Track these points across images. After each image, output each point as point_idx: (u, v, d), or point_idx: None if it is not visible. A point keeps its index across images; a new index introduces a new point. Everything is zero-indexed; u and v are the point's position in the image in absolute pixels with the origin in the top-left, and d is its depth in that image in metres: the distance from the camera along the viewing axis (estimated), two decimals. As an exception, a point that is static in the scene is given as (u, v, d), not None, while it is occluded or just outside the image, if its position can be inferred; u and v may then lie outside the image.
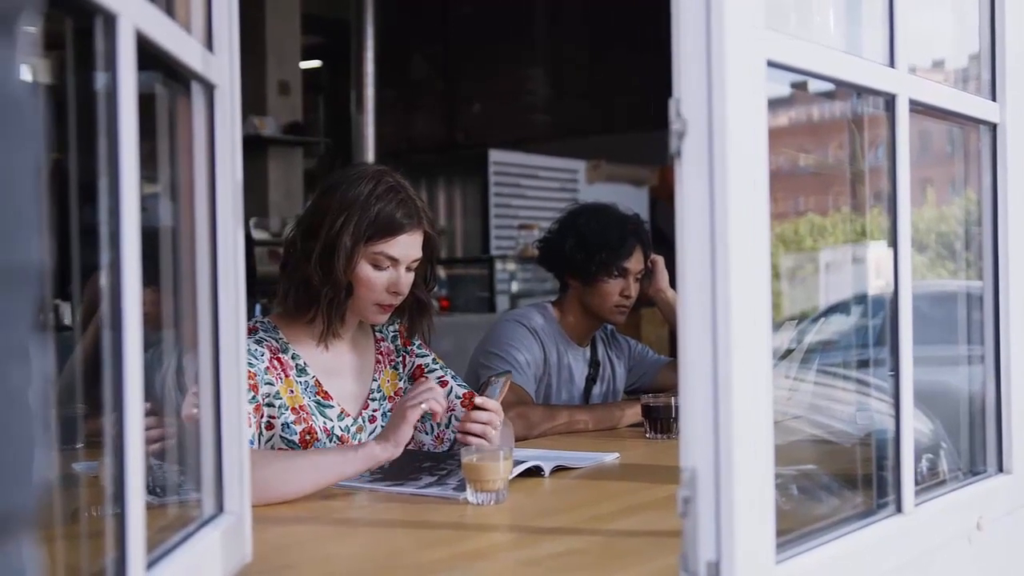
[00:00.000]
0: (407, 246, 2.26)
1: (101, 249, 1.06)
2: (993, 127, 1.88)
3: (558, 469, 2.26)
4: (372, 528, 1.82)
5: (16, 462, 0.58)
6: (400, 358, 2.47)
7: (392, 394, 2.42)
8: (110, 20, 1.02)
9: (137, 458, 1.06)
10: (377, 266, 2.25)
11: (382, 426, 2.35)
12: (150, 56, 1.15)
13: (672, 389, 3.01)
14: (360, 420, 2.35)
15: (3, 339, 0.58)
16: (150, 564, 1.12)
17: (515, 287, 7.70)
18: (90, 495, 1.53)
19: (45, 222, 0.62)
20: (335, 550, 1.73)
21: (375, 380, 2.41)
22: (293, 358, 2.28)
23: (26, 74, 0.61)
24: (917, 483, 1.61)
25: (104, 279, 1.05)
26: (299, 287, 2.26)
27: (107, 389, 1.05)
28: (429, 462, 2.21)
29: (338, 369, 2.35)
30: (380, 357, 2.44)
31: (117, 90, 1.04)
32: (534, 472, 2.18)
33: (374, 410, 2.38)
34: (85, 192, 1.07)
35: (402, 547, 1.70)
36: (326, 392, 2.30)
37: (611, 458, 2.43)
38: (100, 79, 1.05)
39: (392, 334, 2.48)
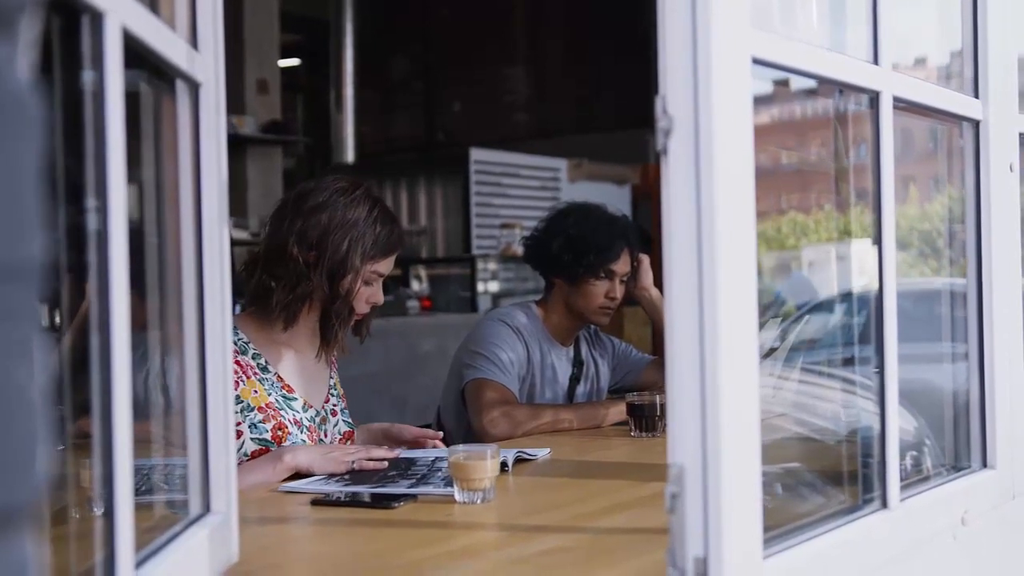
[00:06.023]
0: (392, 263, 2.45)
1: (85, 249, 1.05)
2: (976, 124, 1.89)
3: (519, 460, 2.31)
4: (359, 527, 1.82)
5: (20, 457, 0.58)
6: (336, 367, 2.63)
7: (341, 394, 2.57)
8: (97, 18, 1.02)
9: (125, 459, 1.05)
10: (367, 282, 2.39)
11: (343, 420, 2.52)
12: (134, 54, 1.14)
13: (656, 387, 3.01)
14: (323, 412, 2.46)
15: (8, 335, 0.58)
16: (138, 564, 1.12)
17: (497, 286, 7.69)
18: (73, 496, 1.52)
19: (46, 220, 0.62)
20: (322, 549, 1.73)
21: (332, 378, 2.54)
22: (254, 358, 2.37)
23: (27, 71, 0.61)
24: (902, 479, 1.62)
25: (91, 280, 1.04)
26: (300, 300, 2.34)
27: (95, 390, 1.04)
28: (394, 471, 2.19)
29: (299, 367, 2.45)
30: (332, 359, 2.56)
31: (104, 88, 1.03)
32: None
33: (334, 404, 2.52)
34: (69, 192, 1.06)
35: (389, 546, 1.70)
36: (289, 386, 2.39)
37: (543, 453, 2.45)
38: (86, 77, 1.04)
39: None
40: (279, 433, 2.30)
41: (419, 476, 2.12)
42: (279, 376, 2.38)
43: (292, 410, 2.36)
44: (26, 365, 0.59)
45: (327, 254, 2.32)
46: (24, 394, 0.58)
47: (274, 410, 2.32)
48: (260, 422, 2.29)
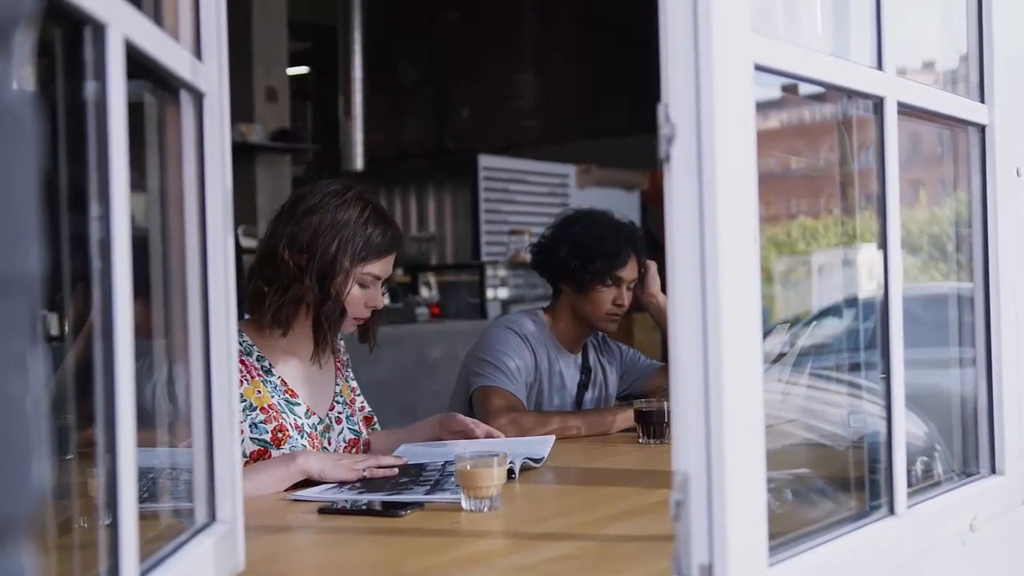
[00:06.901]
0: (390, 265, 2.43)
1: (91, 258, 1.05)
2: (982, 128, 1.89)
3: (526, 469, 2.31)
4: (366, 536, 1.82)
5: (15, 469, 0.59)
6: (348, 372, 2.61)
7: (348, 401, 2.55)
8: (99, 30, 1.02)
9: (129, 468, 1.05)
10: (362, 285, 2.39)
11: (348, 428, 2.50)
12: (138, 65, 1.14)
13: (664, 394, 3.01)
14: (327, 420, 2.46)
15: (3, 347, 0.58)
16: (143, 573, 1.12)
17: (506, 293, 7.68)
18: (80, 505, 1.52)
19: (42, 231, 0.63)
20: (328, 558, 1.73)
21: (337, 385, 2.53)
22: (258, 360, 2.37)
23: (23, 84, 0.61)
24: (911, 485, 1.61)
25: (95, 289, 1.04)
26: (292, 304, 2.34)
27: (99, 400, 1.05)
28: (405, 478, 2.19)
29: (304, 374, 2.45)
30: (339, 365, 2.56)
31: (107, 99, 1.04)
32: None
33: (339, 412, 2.51)
34: (73, 201, 1.07)
35: (396, 555, 1.70)
36: (292, 391, 2.40)
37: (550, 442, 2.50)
38: (89, 88, 1.05)
39: (342, 347, 2.62)
40: (279, 435, 2.31)
41: (432, 482, 2.12)
42: (283, 380, 2.38)
43: (294, 415, 2.36)
44: (21, 377, 0.59)
45: (317, 255, 2.32)
46: (19, 406, 0.59)
47: (276, 412, 2.32)
48: (261, 422, 2.29)
